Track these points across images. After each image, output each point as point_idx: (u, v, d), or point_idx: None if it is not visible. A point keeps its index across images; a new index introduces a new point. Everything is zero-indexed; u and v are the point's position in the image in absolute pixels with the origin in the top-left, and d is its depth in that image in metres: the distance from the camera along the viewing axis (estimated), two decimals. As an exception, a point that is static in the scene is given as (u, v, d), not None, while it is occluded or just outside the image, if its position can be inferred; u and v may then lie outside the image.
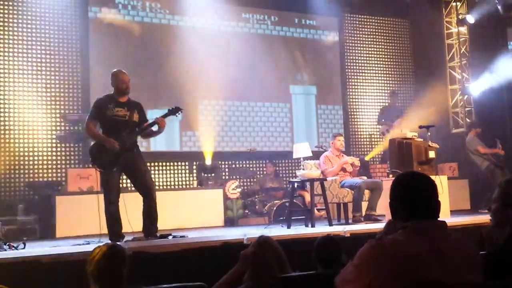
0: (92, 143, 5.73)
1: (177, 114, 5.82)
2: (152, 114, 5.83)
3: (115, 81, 5.64)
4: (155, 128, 5.73)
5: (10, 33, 8.33)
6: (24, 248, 5.23)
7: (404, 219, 2.03)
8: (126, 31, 9.22)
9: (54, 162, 8.42)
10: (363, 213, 6.91)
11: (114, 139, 5.44)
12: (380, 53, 11.51)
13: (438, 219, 2.04)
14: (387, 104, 10.78)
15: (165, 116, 5.70)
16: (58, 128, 8.47)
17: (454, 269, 1.89)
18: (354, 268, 1.96)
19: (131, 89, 5.74)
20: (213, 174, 8.96)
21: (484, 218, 5.83)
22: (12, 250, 5.09)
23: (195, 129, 9.48)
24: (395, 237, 1.99)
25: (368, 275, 1.89)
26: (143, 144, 6.73)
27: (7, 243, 5.26)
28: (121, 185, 5.89)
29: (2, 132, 8.08)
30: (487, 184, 8.70)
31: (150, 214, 5.55)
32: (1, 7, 8.32)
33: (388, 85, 11.42)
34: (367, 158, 10.37)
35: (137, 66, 8.97)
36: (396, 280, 1.85)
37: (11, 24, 8.35)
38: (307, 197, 7.55)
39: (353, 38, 11.34)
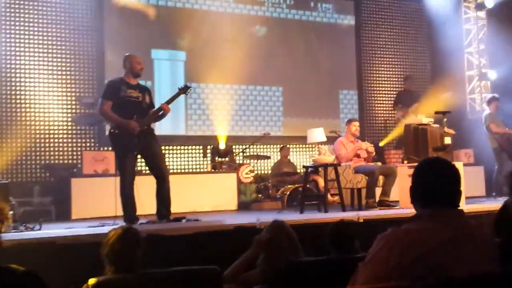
0: (108, 127, 5.74)
1: (187, 92, 5.83)
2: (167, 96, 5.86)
3: (130, 62, 5.64)
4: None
5: (26, 16, 8.35)
6: (40, 229, 5.30)
7: (422, 205, 2.01)
8: (141, 14, 9.20)
9: (70, 145, 8.49)
10: (377, 199, 6.88)
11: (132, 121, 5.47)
12: (397, 37, 11.37)
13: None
14: (402, 89, 10.66)
15: (175, 96, 5.72)
16: (73, 110, 8.52)
17: (470, 258, 1.87)
18: (368, 264, 1.94)
19: (145, 70, 5.75)
20: (227, 158, 8.97)
21: (499, 204, 5.78)
22: (28, 231, 5.16)
23: (210, 113, 9.49)
24: (410, 225, 1.97)
25: (383, 266, 1.87)
26: (161, 127, 6.73)
27: (24, 224, 5.34)
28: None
29: (19, 114, 8.15)
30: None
31: (163, 197, 5.57)
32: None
33: (405, 70, 11.29)
34: (381, 144, 10.30)
35: (152, 48, 8.98)
36: (411, 268, 1.84)
37: (26, 7, 8.37)
38: (321, 182, 7.53)
39: (369, 22, 11.21)
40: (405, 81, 10.54)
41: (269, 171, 9.65)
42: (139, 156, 5.76)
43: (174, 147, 9.26)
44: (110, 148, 5.84)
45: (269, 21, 10.18)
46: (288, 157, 9.50)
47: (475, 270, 1.85)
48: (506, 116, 8.70)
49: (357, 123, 7.51)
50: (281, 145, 9.61)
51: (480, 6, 10.56)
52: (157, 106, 5.76)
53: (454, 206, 1.99)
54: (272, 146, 10.02)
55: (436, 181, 2.00)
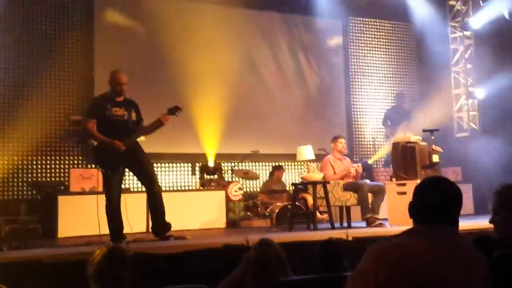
0: (94, 143, 5.71)
1: (176, 113, 5.68)
2: (155, 114, 5.77)
3: (111, 81, 5.60)
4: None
5: (15, 32, 8.33)
6: (26, 247, 5.21)
7: (417, 220, 2.03)
8: (131, 31, 9.22)
9: (57, 162, 8.43)
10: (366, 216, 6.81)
11: (117, 140, 5.41)
12: (384, 56, 11.49)
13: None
14: (393, 106, 10.70)
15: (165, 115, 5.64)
16: (61, 128, 8.47)
17: (460, 275, 1.88)
18: (357, 276, 1.94)
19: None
20: (215, 176, 8.94)
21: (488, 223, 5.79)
22: (14, 249, 5.08)
23: (199, 130, 9.46)
24: (401, 239, 1.98)
25: (372, 279, 1.87)
26: (150, 144, 6.69)
27: (9, 242, 5.26)
28: (122, 186, 5.87)
29: (6, 132, 8.09)
30: None
31: (157, 206, 5.49)
32: (6, 5, 8.33)
33: (392, 88, 11.40)
34: (370, 162, 10.34)
35: (141, 66, 8.99)
36: (399, 284, 1.83)
37: (14, 23, 8.35)
38: (310, 200, 7.52)
39: (357, 41, 11.32)
40: (396, 98, 10.59)
41: (258, 189, 9.60)
42: (127, 173, 5.72)
43: (163, 165, 9.22)
44: (97, 166, 5.75)
45: (257, 39, 10.25)
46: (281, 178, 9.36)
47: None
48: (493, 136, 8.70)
49: (343, 140, 7.52)
50: (277, 164, 9.49)
51: (466, 26, 10.71)
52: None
53: (448, 223, 2.00)
54: (261, 163, 10.00)
55: (430, 198, 2.04)
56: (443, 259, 1.88)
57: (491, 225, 2.48)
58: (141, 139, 5.83)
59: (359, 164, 7.51)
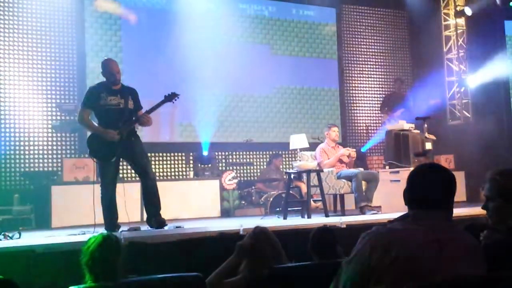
0: (88, 133, 5.67)
1: (173, 101, 5.61)
2: (149, 103, 5.72)
3: (105, 71, 5.54)
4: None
5: (5, 21, 8.26)
6: (19, 237, 5.21)
7: (410, 207, 2.05)
8: (122, 19, 9.15)
9: (50, 152, 8.39)
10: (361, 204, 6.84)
11: (112, 129, 5.38)
12: (378, 44, 11.47)
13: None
14: (391, 92, 10.62)
15: (161, 103, 5.55)
16: (53, 117, 8.43)
17: (454, 261, 1.89)
18: (351, 260, 1.95)
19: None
20: (209, 165, 8.93)
21: (480, 210, 5.83)
22: (7, 239, 5.07)
23: (192, 119, 9.44)
24: (395, 225, 2.01)
25: (366, 263, 1.89)
26: (144, 134, 6.67)
27: (2, 233, 5.25)
28: (120, 175, 5.85)
29: (-3, 121, 8.05)
30: None
31: (150, 199, 5.47)
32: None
33: (385, 76, 11.40)
34: (363, 150, 10.35)
35: (133, 55, 8.93)
36: (392, 269, 1.85)
37: (5, 13, 8.28)
38: (304, 188, 7.53)
39: (350, 29, 11.30)
40: (395, 83, 10.50)
41: (251, 178, 9.61)
42: (123, 162, 5.69)
43: (157, 154, 9.19)
44: (92, 155, 5.72)
45: (252, 28, 10.21)
46: (280, 167, 9.37)
47: (458, 273, 1.86)
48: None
49: (336, 129, 7.55)
50: (274, 153, 9.50)
51: (459, 14, 10.70)
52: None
53: (442, 209, 2.02)
54: (255, 152, 10.00)
55: (423, 184, 2.05)
56: (436, 244, 1.89)
57: (483, 212, 2.49)
58: (138, 128, 5.81)
59: (354, 149, 7.53)
